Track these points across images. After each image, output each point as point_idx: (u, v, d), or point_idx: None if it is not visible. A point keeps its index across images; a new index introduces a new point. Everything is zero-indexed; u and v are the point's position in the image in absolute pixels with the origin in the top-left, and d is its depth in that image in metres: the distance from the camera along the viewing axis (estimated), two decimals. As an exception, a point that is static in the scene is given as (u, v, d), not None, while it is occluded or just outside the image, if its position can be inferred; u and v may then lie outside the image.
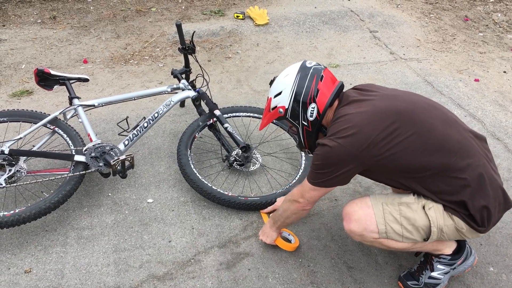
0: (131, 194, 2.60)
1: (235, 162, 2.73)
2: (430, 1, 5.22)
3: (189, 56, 2.90)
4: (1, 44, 4.17)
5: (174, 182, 2.69)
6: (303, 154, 2.76)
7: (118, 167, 2.45)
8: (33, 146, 2.60)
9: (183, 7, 4.97)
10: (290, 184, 2.59)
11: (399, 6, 5.08)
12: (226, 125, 2.71)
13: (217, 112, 2.77)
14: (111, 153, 2.52)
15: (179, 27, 2.71)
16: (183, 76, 2.93)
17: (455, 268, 2.05)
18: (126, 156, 2.45)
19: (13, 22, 4.53)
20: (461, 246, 2.04)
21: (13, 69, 3.83)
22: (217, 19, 4.72)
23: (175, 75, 2.91)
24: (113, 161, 2.42)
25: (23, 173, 2.42)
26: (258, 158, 2.81)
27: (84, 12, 4.78)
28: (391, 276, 2.17)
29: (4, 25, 4.49)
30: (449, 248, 2.02)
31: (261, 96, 3.54)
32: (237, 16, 4.73)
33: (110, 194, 2.60)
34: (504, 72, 3.97)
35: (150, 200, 2.57)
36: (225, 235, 2.37)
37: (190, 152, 2.65)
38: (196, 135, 2.75)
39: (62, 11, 4.77)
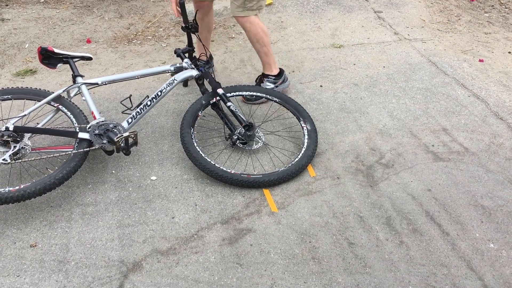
0: (134, 172, 2.62)
1: (238, 141, 2.73)
2: (435, -19, 5.18)
3: (192, 35, 2.88)
4: (4, 24, 4.16)
5: (177, 160, 2.71)
6: (305, 132, 2.76)
7: (122, 144, 2.46)
8: (38, 123, 2.61)
9: (186, -13, 4.94)
10: (293, 162, 2.60)
11: (404, -14, 5.04)
12: (229, 103, 2.71)
13: (220, 91, 2.76)
14: (115, 130, 2.53)
15: (182, 5, 2.69)
16: (186, 55, 2.91)
17: (277, 86, 3.16)
18: (129, 133, 2.47)
19: (16, 2, 4.52)
20: (281, 72, 3.18)
21: (16, 49, 3.83)
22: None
23: (178, 54, 2.89)
24: (117, 138, 2.43)
25: (27, 150, 2.44)
26: (261, 137, 2.80)
27: (87, -8, 4.76)
28: (391, 252, 2.19)
29: (7, 5, 4.48)
30: (275, 70, 3.15)
31: (264, 76, 3.53)
32: None
33: (114, 171, 2.62)
34: (509, 52, 3.94)
35: (153, 178, 2.59)
36: (227, 212, 2.39)
37: (193, 130, 2.66)
38: (199, 114, 2.75)
39: (65, -9, 4.75)
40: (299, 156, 2.64)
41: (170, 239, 2.24)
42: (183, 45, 3.90)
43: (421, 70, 3.62)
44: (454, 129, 3.01)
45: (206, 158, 2.55)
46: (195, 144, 2.60)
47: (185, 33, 2.88)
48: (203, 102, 2.79)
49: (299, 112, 2.87)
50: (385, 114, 3.13)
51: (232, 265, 2.12)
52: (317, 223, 2.33)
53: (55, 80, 3.41)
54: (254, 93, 2.97)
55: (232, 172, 2.52)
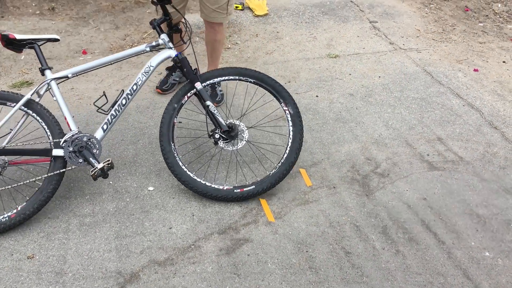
0: (132, 182, 2.63)
1: (220, 140, 2.54)
2: (429, -9, 5.24)
3: (167, 7, 2.47)
4: (1, 35, 4.18)
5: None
6: (289, 118, 2.58)
7: (98, 174, 2.35)
8: (11, 129, 2.46)
9: (182, -2, 4.97)
10: (282, 161, 2.53)
11: (398, -4, 5.10)
12: (207, 103, 2.49)
13: (198, 86, 2.49)
14: (89, 144, 2.41)
15: None
16: (162, 28, 2.50)
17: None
18: (103, 164, 2.35)
19: (12, 14, 4.54)
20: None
21: (12, 60, 3.84)
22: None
23: (154, 26, 2.50)
24: (92, 172, 2.34)
25: (6, 165, 2.37)
26: (244, 131, 2.63)
27: (83, 3, 4.79)
28: (388, 261, 2.20)
29: (2, 16, 4.50)
30: None
31: (261, 86, 3.56)
32: (236, 7, 4.73)
33: (111, 182, 2.62)
34: (504, 62, 3.99)
35: (151, 188, 2.60)
36: (225, 222, 2.40)
37: (174, 145, 2.53)
38: (175, 121, 2.57)
39: (60, 3, 4.77)
40: (286, 152, 2.55)
41: (168, 249, 2.24)
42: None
43: (416, 80, 3.66)
44: (449, 138, 3.04)
45: (195, 178, 2.49)
46: (181, 163, 2.50)
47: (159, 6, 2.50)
48: (175, 105, 2.55)
49: (278, 92, 2.61)
50: (380, 124, 3.15)
51: (229, 276, 2.12)
52: (314, 233, 2.34)
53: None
54: (234, 77, 2.63)
55: (225, 188, 2.50)
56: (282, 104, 2.61)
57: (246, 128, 2.65)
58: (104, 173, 2.35)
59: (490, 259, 2.23)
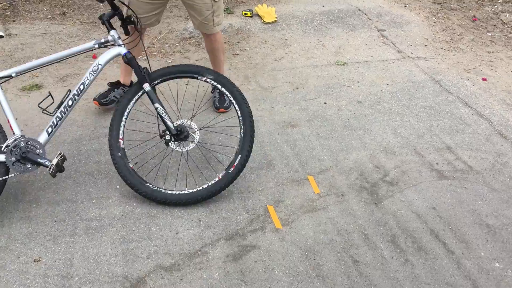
0: (139, 187, 2.62)
1: (171, 142, 2.50)
2: (438, 1, 5.21)
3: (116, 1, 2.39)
4: (11, 39, 4.20)
5: (182, 176, 2.71)
6: (241, 120, 2.53)
7: (55, 170, 2.33)
8: None
9: (191, 5, 4.99)
10: (235, 164, 2.49)
11: (407, 5, 5.08)
12: (156, 105, 2.42)
13: (146, 87, 2.41)
14: (31, 149, 2.33)
15: None
16: (111, 24, 2.41)
17: None
18: (57, 159, 2.33)
19: (24, 18, 4.57)
20: None
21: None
22: (225, 16, 4.74)
23: (103, 21, 2.39)
24: (50, 170, 2.30)
25: None
26: (196, 132, 2.61)
27: (93, 8, 4.82)
28: (396, 271, 2.18)
29: (14, 20, 4.53)
30: None
31: (269, 93, 3.56)
32: (245, 14, 4.74)
33: (118, 186, 2.62)
34: (512, 71, 3.97)
35: (158, 193, 2.59)
36: (231, 228, 2.38)
37: (124, 150, 2.49)
38: (125, 124, 2.51)
39: (71, 7, 4.80)
40: (238, 151, 2.51)
41: (174, 255, 2.23)
42: (189, 62, 3.93)
43: (425, 88, 3.64)
44: (458, 147, 3.01)
45: (150, 186, 2.46)
46: (132, 171, 2.46)
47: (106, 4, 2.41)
48: (124, 108, 2.48)
49: (228, 89, 2.57)
50: (389, 132, 3.14)
51: (236, 282, 2.10)
52: (322, 240, 2.33)
53: (61, 96, 3.43)
54: (184, 74, 2.57)
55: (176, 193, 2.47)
56: (232, 100, 2.55)
57: (197, 129, 2.62)
58: (60, 167, 2.33)
59: (500, 270, 2.20)
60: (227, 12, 4.84)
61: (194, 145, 2.60)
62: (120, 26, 2.49)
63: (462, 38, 4.50)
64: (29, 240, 2.28)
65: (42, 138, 2.38)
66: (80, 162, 2.78)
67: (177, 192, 2.48)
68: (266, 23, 4.63)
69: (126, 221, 2.40)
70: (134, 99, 2.51)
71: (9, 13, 4.66)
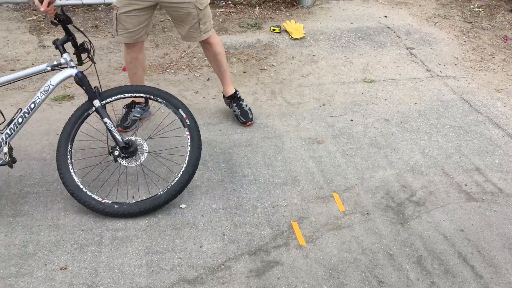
0: (164, 199, 2.65)
1: (119, 158, 2.55)
2: (468, 20, 5.16)
3: (69, 27, 2.48)
4: (45, 50, 4.33)
5: (207, 189, 2.73)
6: (188, 139, 2.62)
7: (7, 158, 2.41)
8: None
9: (220, 20, 5.06)
10: (176, 179, 2.56)
11: (437, 24, 5.04)
12: (105, 119, 2.50)
13: (96, 103, 2.50)
14: None
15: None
16: (65, 48, 2.51)
17: None
18: (6, 147, 2.43)
19: (57, 30, 4.70)
20: None
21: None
22: (254, 32, 4.79)
23: (57, 46, 2.48)
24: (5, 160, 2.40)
25: None
26: (144, 148, 2.67)
27: (125, 22, 4.93)
28: (422, 293, 2.14)
29: (48, 32, 4.67)
30: None
31: (295, 108, 3.56)
32: (274, 30, 4.78)
33: (144, 197, 2.65)
34: (545, 93, 3.88)
35: (183, 206, 2.61)
36: (255, 243, 2.38)
37: (72, 166, 2.53)
38: (71, 145, 2.57)
39: (104, 21, 4.93)
40: (183, 168, 2.57)
41: (198, 268, 2.24)
42: (215, 76, 3.97)
43: (454, 108, 3.59)
44: (487, 169, 2.96)
45: (94, 196, 2.50)
46: (76, 180, 2.51)
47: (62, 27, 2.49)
48: (73, 125, 2.56)
49: (174, 105, 2.67)
50: (416, 151, 3.10)
51: (258, 298, 2.10)
52: (346, 259, 2.30)
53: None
54: (135, 94, 2.68)
55: (103, 201, 2.50)
56: (181, 115, 2.66)
57: (143, 140, 2.68)
58: (11, 157, 2.43)
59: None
60: (255, 27, 4.89)
61: (146, 155, 2.67)
62: (74, 53, 2.55)
63: (493, 57, 4.43)
64: (57, 248, 2.32)
65: None
66: (108, 172, 2.82)
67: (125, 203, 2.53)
68: (294, 39, 4.65)
69: (151, 233, 2.43)
70: (84, 116, 2.59)
71: (43, 25, 4.80)
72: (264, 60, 4.31)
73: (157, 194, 2.55)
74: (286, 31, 4.79)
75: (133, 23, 2.95)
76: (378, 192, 2.74)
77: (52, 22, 2.46)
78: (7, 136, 2.46)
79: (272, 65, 4.23)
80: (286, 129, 3.31)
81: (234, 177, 2.82)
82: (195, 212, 2.57)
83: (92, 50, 2.57)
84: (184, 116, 2.67)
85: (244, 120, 3.33)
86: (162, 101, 2.67)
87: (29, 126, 3.28)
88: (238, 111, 3.36)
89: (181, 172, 2.57)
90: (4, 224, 2.46)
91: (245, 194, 2.71)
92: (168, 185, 2.58)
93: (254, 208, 2.60)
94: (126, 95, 2.65)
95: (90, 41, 2.58)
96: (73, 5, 5.14)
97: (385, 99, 3.70)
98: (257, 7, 5.34)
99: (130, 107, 3.30)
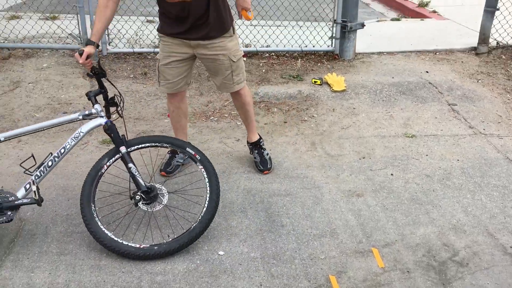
0: (203, 245, 2.68)
1: (141, 202, 2.65)
2: (512, 77, 5.14)
3: (103, 80, 2.71)
4: (96, 95, 4.55)
5: (245, 237, 2.75)
6: (203, 171, 2.76)
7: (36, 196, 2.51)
8: None
9: (263, 70, 5.21)
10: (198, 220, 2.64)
11: (479, 81, 5.03)
12: (130, 165, 2.64)
13: (122, 149, 2.66)
14: (5, 199, 2.52)
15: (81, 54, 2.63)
16: (97, 99, 2.70)
17: None
18: (35, 186, 2.52)
19: (109, 76, 4.93)
20: None
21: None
22: (295, 83, 4.90)
23: (90, 97, 2.68)
24: (35, 199, 2.50)
25: None
26: (164, 195, 2.77)
27: (172, 70, 5.15)
28: None
29: (100, 78, 4.92)
30: None
31: (335, 160, 3.58)
32: (315, 82, 4.88)
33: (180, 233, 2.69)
34: None
35: (221, 253, 2.63)
36: (292, 296, 2.36)
37: (94, 207, 2.63)
38: (98, 182, 2.70)
39: (152, 68, 5.16)
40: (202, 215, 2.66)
41: (234, 317, 2.23)
42: (257, 125, 4.05)
43: (498, 167, 3.53)
44: (534, 231, 2.86)
45: (114, 237, 2.56)
46: (100, 224, 2.58)
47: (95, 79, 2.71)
48: (99, 168, 2.69)
49: (196, 159, 2.81)
50: (459, 209, 3.04)
51: None
52: (385, 318, 2.24)
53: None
54: (159, 144, 2.85)
55: (141, 246, 2.56)
56: (190, 153, 2.82)
57: (167, 193, 2.79)
58: (39, 196, 2.52)
59: None
60: (297, 79, 5.01)
61: (161, 206, 2.76)
62: (104, 106, 2.73)
63: (538, 116, 4.36)
64: (97, 288, 2.37)
65: (20, 193, 2.58)
66: (136, 218, 2.88)
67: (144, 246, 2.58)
68: (335, 91, 4.73)
69: (189, 278, 2.44)
70: (111, 161, 2.71)
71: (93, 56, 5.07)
72: (305, 111, 4.39)
73: (191, 227, 2.63)
74: (327, 83, 4.88)
75: (173, 74, 3.11)
76: (419, 249, 2.69)
77: (87, 74, 2.69)
78: (36, 177, 2.58)
79: (313, 116, 4.30)
80: (325, 180, 3.33)
81: (272, 227, 2.83)
82: (233, 260, 2.58)
83: (121, 103, 2.75)
84: (193, 153, 2.83)
85: (262, 168, 3.40)
86: (167, 145, 2.86)
87: (77, 167, 3.44)
88: (258, 159, 3.44)
89: (206, 202, 2.70)
90: (49, 261, 2.54)
91: (283, 244, 2.71)
92: (199, 216, 2.67)
93: (292, 259, 2.59)
94: (151, 144, 2.84)
95: (120, 94, 2.77)
96: (124, 53, 5.42)
97: (427, 155, 3.67)
98: (299, 59, 5.48)
99: (173, 153, 3.41)
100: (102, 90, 2.71)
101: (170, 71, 3.10)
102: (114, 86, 2.77)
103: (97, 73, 2.65)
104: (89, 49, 2.62)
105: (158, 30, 3.09)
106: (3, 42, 5.46)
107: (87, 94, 2.69)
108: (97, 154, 3.54)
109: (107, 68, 5.12)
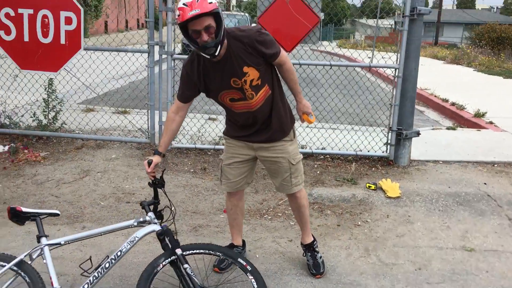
0: None
1: None
2: None
3: (159, 190, 2.93)
4: (157, 186, 4.78)
5: None
6: (253, 281, 2.79)
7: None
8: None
9: (318, 172, 5.33)
10: None
11: (541, 196, 4.90)
12: (185, 265, 2.73)
13: (178, 251, 2.77)
14: None
15: (151, 163, 2.89)
16: (151, 207, 2.89)
17: None
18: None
19: (171, 169, 5.23)
20: None
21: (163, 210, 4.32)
22: (349, 187, 4.95)
23: (143, 206, 2.88)
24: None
25: None
26: None
27: (230, 166, 5.37)
28: None
29: (162, 171, 5.18)
30: None
31: (389, 269, 3.51)
32: (369, 186, 4.92)
33: None
34: None
35: None
36: None
37: None
38: (153, 279, 2.73)
39: (212, 164, 5.40)
40: None
41: None
42: (315, 232, 4.08)
43: None
44: None
45: None
46: None
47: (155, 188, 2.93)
48: (156, 265, 2.76)
49: (250, 272, 2.85)
50: (524, 334, 2.86)
51: None
52: None
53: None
54: (212, 252, 2.95)
55: None
56: (241, 264, 2.89)
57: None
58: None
59: None
60: (351, 182, 5.07)
61: None
62: (155, 213, 2.89)
63: None
64: None
65: None
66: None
67: None
68: (389, 197, 4.73)
69: None
70: (167, 261, 2.79)
71: (159, 164, 5.36)
72: (358, 215, 4.39)
73: None
74: (381, 189, 4.90)
75: (235, 174, 3.27)
76: None
77: (149, 184, 2.94)
78: (94, 278, 2.70)
79: (367, 221, 4.29)
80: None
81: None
82: None
83: (171, 215, 2.90)
84: (244, 263, 2.90)
85: (315, 272, 3.38)
86: (220, 254, 2.98)
87: (135, 256, 3.55)
88: (311, 262, 3.43)
89: None
90: None
91: None
92: None
93: None
94: (205, 251, 2.97)
95: (172, 205, 2.94)
96: (186, 148, 5.74)
97: (487, 271, 3.53)
98: (353, 163, 5.58)
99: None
100: (156, 200, 2.91)
101: (232, 171, 3.26)
102: (168, 198, 2.96)
103: (156, 183, 2.90)
104: (156, 159, 2.94)
105: (224, 133, 3.33)
106: (78, 133, 5.95)
107: (141, 204, 2.90)
108: (153, 246, 3.66)
109: (170, 161, 5.42)
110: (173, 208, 2.93)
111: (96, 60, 6.01)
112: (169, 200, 2.97)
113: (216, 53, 2.76)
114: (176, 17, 2.73)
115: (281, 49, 3.02)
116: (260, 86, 2.99)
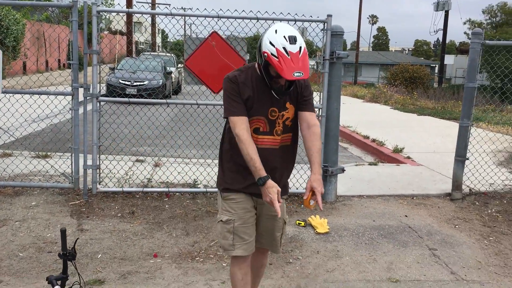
0: None
1: None
2: (487, 224, 5.34)
3: (69, 263, 2.75)
4: (82, 234, 4.57)
5: None
6: None
7: None
8: None
9: (248, 211, 5.35)
10: None
11: (457, 226, 5.23)
12: None
13: None
14: None
15: (63, 233, 2.72)
16: (59, 283, 2.69)
17: None
18: None
19: (96, 214, 5.03)
20: None
21: (89, 258, 4.13)
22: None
23: (50, 281, 2.67)
24: None
25: None
26: None
27: (159, 209, 5.26)
28: None
29: (88, 217, 4.98)
30: None
31: (321, 305, 3.56)
32: (299, 223, 5.01)
33: None
34: None
35: None
36: None
37: None
38: None
39: (140, 207, 5.27)
40: None
41: None
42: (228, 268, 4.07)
43: (483, 314, 3.54)
44: None
45: None
46: None
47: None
48: None
49: None
50: None
51: None
52: None
53: (120, 292, 3.57)
54: None
55: None
56: None
57: None
58: None
59: None
60: (281, 220, 5.13)
61: None
62: None
63: (516, 263, 4.47)
64: None
65: None
66: None
67: None
68: (318, 233, 4.84)
69: None
70: None
71: (84, 209, 5.15)
72: (290, 252, 4.44)
73: None
74: (311, 225, 5.01)
75: (250, 232, 2.89)
76: None
77: (59, 255, 2.73)
78: None
79: (298, 258, 4.35)
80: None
81: None
82: None
83: None
84: None
85: None
86: None
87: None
88: None
89: None
90: None
91: None
92: None
93: None
94: None
95: (81, 278, 2.85)
96: (113, 192, 5.56)
97: (412, 301, 3.69)
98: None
99: None
100: (64, 275, 2.73)
101: (248, 230, 2.88)
102: (78, 272, 2.84)
103: (67, 255, 2.71)
104: (273, 183, 2.63)
105: (225, 190, 2.91)
106: (-7, 180, 5.59)
107: (47, 278, 2.69)
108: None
109: (95, 207, 5.22)
110: (82, 284, 2.75)
111: (16, 104, 5.75)
112: (79, 274, 2.80)
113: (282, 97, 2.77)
114: (267, 53, 2.59)
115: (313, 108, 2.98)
116: (288, 129, 2.91)
